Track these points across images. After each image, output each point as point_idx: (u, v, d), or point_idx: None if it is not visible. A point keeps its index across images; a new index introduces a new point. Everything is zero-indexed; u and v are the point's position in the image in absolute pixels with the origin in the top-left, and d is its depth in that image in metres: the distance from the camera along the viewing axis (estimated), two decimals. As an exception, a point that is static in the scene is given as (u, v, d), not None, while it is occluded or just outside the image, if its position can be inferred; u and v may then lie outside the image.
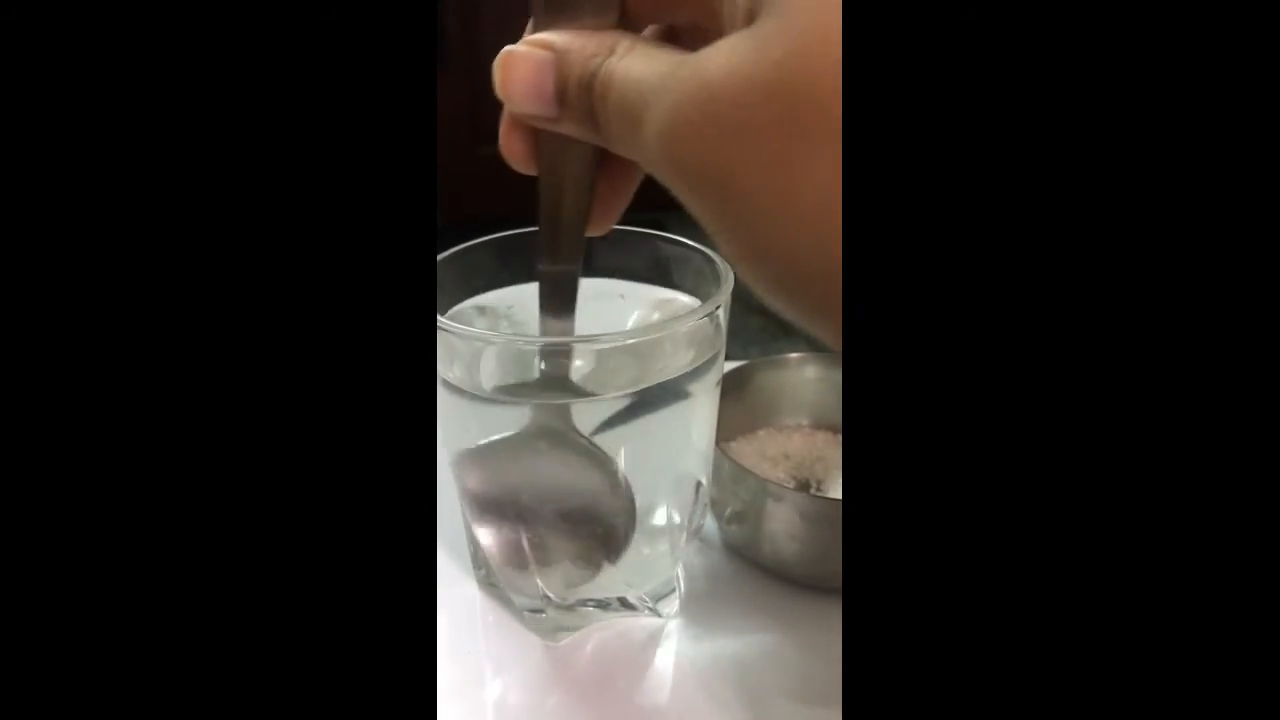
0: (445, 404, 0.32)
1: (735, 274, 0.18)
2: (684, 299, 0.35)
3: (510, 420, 0.31)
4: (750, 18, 0.16)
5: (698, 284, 0.34)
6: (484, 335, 0.30)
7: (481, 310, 0.36)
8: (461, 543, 0.39)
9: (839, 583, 0.37)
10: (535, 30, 0.20)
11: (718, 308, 0.31)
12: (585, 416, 0.30)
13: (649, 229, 0.35)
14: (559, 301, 0.26)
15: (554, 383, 0.29)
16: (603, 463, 0.31)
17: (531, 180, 0.23)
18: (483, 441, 0.32)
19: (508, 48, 0.20)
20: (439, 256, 0.33)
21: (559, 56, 0.19)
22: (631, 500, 0.32)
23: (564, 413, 0.30)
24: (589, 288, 0.33)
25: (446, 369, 0.31)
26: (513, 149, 0.22)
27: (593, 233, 0.25)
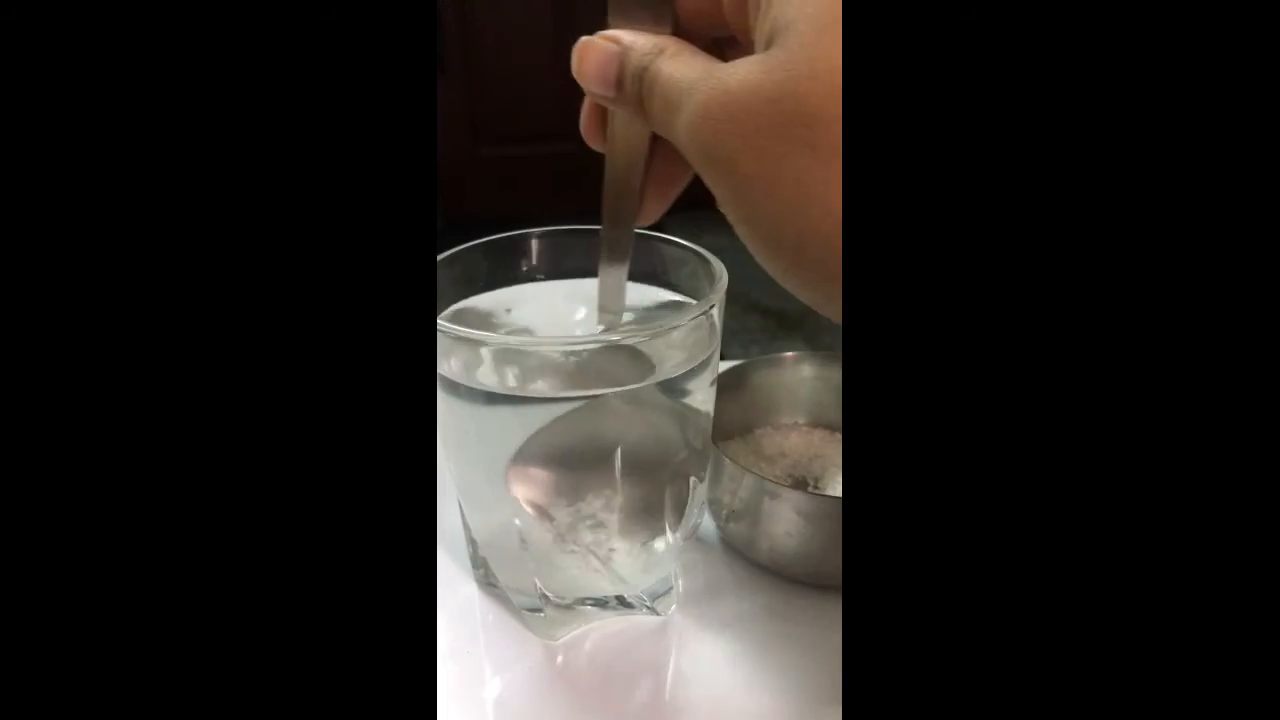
0: (446, 405, 0.32)
1: (744, 244, 0.22)
2: (680, 299, 0.36)
3: (515, 418, 0.31)
4: (768, 45, 0.21)
5: (693, 284, 0.35)
6: (485, 337, 0.30)
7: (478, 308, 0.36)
8: (461, 543, 0.39)
9: (837, 580, 0.37)
10: (611, 27, 0.25)
11: (712, 307, 0.31)
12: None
13: (646, 230, 0.35)
14: (617, 258, 0.31)
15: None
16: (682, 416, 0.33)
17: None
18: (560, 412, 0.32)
19: (585, 38, 0.25)
20: (438, 257, 0.33)
21: (623, 50, 0.24)
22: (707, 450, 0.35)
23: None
24: (585, 290, 0.33)
25: (449, 369, 0.31)
26: (589, 126, 0.27)
27: (645, 220, 0.29)
